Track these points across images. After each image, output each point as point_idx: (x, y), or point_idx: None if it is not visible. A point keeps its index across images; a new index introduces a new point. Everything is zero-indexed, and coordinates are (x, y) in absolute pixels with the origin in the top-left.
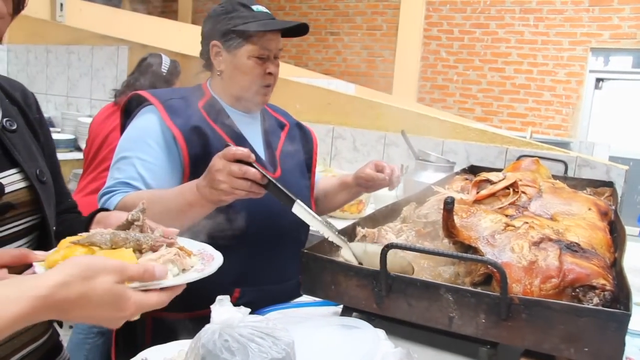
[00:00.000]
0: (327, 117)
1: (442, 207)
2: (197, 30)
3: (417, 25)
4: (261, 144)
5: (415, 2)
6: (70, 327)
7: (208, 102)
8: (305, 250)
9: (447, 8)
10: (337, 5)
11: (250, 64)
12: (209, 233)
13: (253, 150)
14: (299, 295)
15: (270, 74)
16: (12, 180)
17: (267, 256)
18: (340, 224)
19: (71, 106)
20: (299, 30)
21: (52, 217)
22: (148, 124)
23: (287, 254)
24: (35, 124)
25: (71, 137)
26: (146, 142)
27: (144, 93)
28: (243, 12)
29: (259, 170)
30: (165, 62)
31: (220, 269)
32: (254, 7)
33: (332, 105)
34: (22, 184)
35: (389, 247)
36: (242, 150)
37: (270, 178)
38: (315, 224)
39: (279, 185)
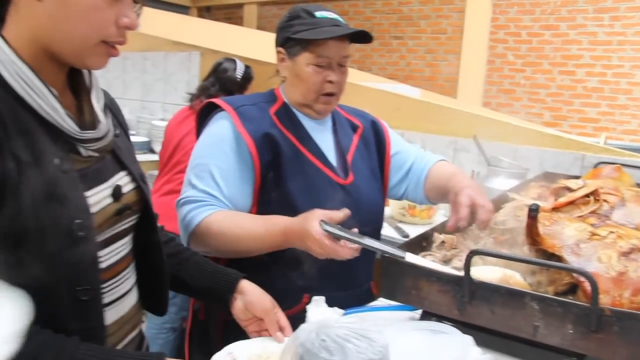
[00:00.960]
0: (396, 122)
1: (518, 214)
2: (262, 35)
3: (483, 28)
4: (332, 149)
5: (481, 4)
6: (142, 321)
7: (280, 107)
8: (386, 254)
9: (514, 10)
10: (401, 9)
11: (309, 72)
12: None
13: (324, 156)
14: (369, 301)
15: (331, 82)
16: (125, 182)
17: (337, 262)
18: (412, 230)
19: (145, 110)
20: (362, 37)
21: (154, 216)
22: (221, 130)
23: (357, 260)
24: (125, 128)
25: (145, 139)
26: (221, 149)
27: (217, 100)
28: (305, 18)
29: (359, 243)
30: (240, 67)
31: (289, 274)
32: (317, 14)
33: (401, 110)
34: (131, 186)
35: (473, 253)
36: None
37: (375, 246)
38: (432, 266)
39: (386, 249)
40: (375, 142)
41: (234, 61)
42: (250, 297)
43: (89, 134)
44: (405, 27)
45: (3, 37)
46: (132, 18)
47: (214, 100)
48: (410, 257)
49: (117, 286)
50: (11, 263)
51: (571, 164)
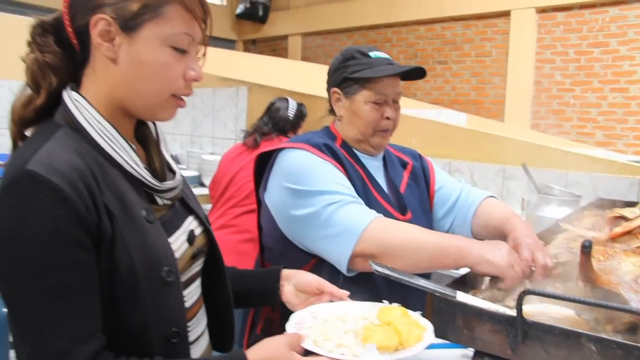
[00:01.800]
0: (443, 151)
1: (571, 245)
2: (307, 67)
3: (529, 49)
4: (385, 186)
5: (525, 26)
6: None
7: (342, 144)
8: (437, 293)
9: (560, 29)
10: (445, 34)
11: (367, 109)
12: (333, 275)
13: (385, 192)
14: None
15: (388, 118)
16: (194, 226)
17: (390, 297)
18: None
19: (195, 144)
20: (417, 73)
21: (221, 257)
22: (304, 154)
23: (410, 295)
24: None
25: (195, 173)
26: (320, 162)
27: (283, 144)
28: (360, 59)
29: (409, 283)
30: (292, 106)
31: None
32: (372, 54)
33: (447, 139)
34: (199, 229)
35: (525, 293)
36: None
37: (425, 285)
38: (484, 305)
39: (437, 288)
40: (423, 178)
41: (286, 100)
42: (297, 277)
43: (168, 184)
44: (449, 51)
45: (84, 97)
46: (197, 70)
47: (281, 145)
48: (461, 296)
49: (194, 328)
50: (107, 312)
51: (627, 190)
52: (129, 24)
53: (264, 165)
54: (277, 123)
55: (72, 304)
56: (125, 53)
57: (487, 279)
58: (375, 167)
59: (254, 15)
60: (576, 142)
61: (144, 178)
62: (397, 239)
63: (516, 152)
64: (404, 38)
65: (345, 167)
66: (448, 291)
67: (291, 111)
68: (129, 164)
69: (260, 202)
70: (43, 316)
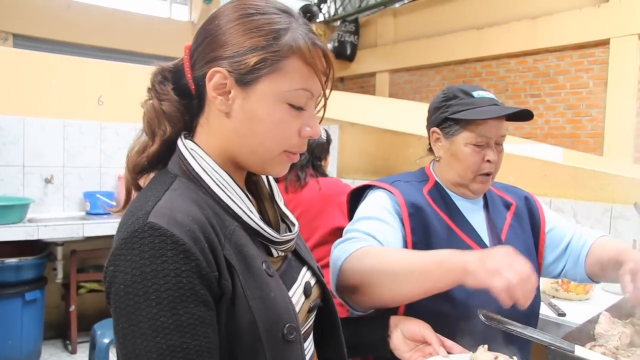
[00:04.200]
0: (543, 189)
1: None
2: (395, 103)
3: (630, 78)
4: (485, 228)
5: (627, 53)
6: None
7: (433, 187)
8: (552, 347)
9: None
10: (537, 67)
11: (467, 152)
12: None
13: (477, 235)
14: None
15: (489, 161)
16: (308, 277)
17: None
18: (567, 306)
19: None
20: (523, 115)
21: (335, 308)
22: (381, 198)
23: (514, 347)
24: None
25: None
26: (385, 207)
27: (372, 182)
28: (463, 98)
29: (523, 335)
30: (322, 131)
31: None
32: (475, 93)
33: (548, 177)
34: (313, 280)
35: None
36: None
37: (540, 338)
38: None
39: (553, 341)
40: (529, 219)
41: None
42: (405, 324)
43: (287, 236)
44: (541, 84)
45: (198, 146)
46: (314, 127)
47: (369, 182)
48: (579, 351)
49: None
50: None
51: None
52: (244, 79)
53: (353, 200)
54: (313, 150)
55: None
56: (238, 107)
57: (611, 332)
58: (471, 209)
59: (342, 53)
60: None
61: (263, 229)
62: (370, 264)
63: (625, 189)
64: (494, 72)
65: (422, 215)
66: (565, 345)
67: (323, 136)
68: (247, 214)
69: None
70: None
